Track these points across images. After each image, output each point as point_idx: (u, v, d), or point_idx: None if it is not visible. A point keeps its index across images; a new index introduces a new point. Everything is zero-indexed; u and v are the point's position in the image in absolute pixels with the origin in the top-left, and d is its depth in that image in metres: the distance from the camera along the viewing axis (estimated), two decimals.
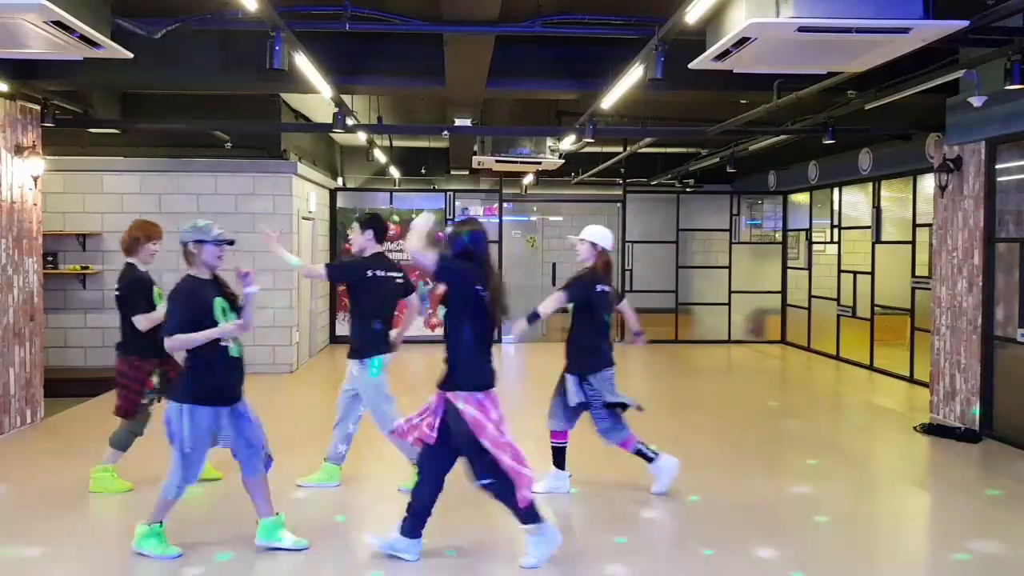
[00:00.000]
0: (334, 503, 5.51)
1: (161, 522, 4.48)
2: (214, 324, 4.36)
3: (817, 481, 6.16)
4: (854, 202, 12.03)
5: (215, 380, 4.41)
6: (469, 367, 4.32)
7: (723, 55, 4.59)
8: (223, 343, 4.40)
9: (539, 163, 11.04)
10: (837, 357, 12.23)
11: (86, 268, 10.31)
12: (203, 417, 4.34)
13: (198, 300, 4.41)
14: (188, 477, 4.41)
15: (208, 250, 4.50)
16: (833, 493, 5.88)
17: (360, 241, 5.75)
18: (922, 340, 9.47)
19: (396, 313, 5.73)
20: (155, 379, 5.48)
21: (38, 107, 7.70)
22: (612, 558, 4.56)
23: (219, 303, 4.47)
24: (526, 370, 11.53)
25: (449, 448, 4.37)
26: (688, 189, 15.37)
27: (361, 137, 11.08)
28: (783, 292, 14.45)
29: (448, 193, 14.34)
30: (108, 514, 5.33)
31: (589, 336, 5.50)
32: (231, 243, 4.58)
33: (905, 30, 4.16)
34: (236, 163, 10.66)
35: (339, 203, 13.97)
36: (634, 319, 6.18)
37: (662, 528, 5.21)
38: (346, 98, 8.99)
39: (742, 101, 8.26)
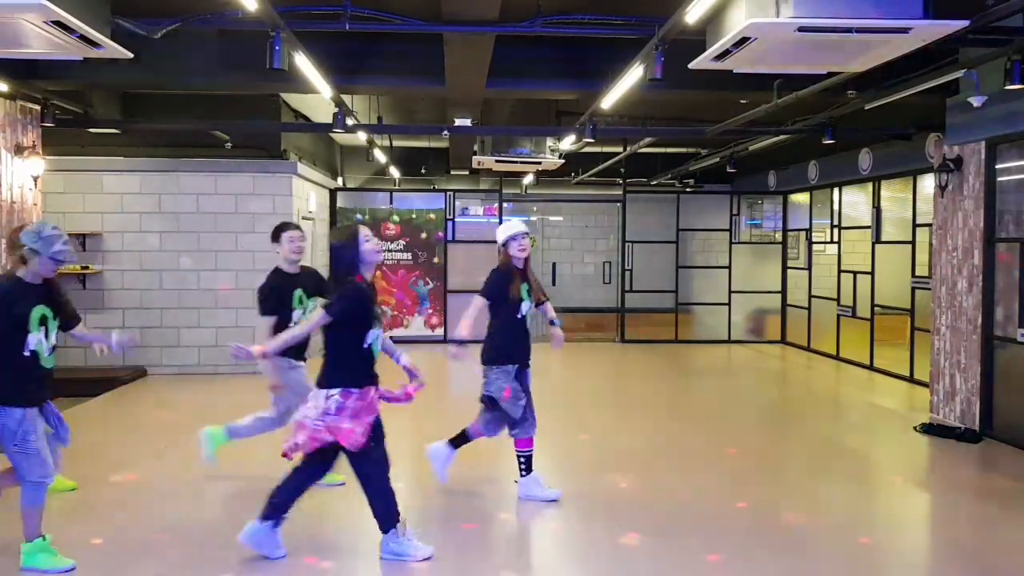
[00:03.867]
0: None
1: (43, 535, 4.27)
2: (26, 333, 4.16)
3: (817, 481, 6.17)
4: (854, 202, 12.03)
5: (16, 387, 4.19)
6: None
7: (723, 55, 4.59)
8: (30, 351, 4.18)
9: (539, 163, 11.05)
10: (837, 357, 12.23)
11: (86, 268, 10.30)
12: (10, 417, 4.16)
13: (17, 307, 4.17)
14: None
15: (43, 263, 4.20)
16: (833, 493, 5.89)
17: None
18: (922, 340, 9.47)
19: None
20: None
21: (38, 107, 7.70)
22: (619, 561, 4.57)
23: (38, 312, 4.23)
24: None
25: None
26: (688, 189, 15.38)
27: (361, 137, 11.08)
28: (783, 292, 14.45)
29: (448, 193, 14.34)
30: (108, 514, 5.31)
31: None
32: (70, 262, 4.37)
33: (905, 30, 4.17)
34: (236, 163, 10.66)
35: (339, 203, 13.97)
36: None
37: (661, 528, 5.22)
38: (346, 98, 8.99)
39: (742, 101, 8.26)
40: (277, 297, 5.46)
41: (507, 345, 5.39)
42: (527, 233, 5.46)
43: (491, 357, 5.37)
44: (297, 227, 5.71)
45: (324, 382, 4.31)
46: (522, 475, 5.49)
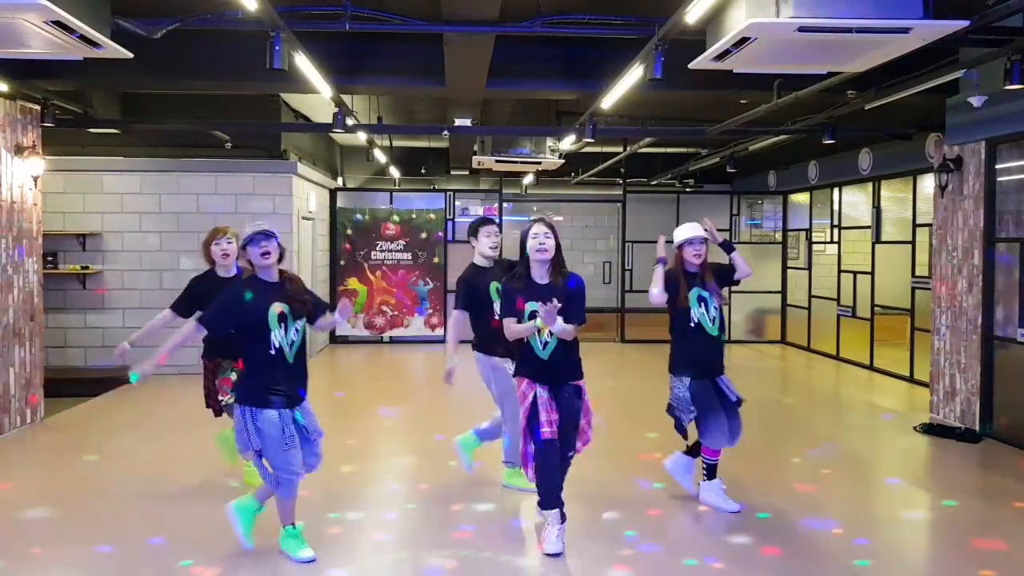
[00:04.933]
0: None
1: (293, 524, 4.49)
2: (266, 330, 4.27)
3: (817, 481, 6.16)
4: (854, 202, 12.03)
5: (267, 384, 4.30)
6: None
7: (723, 55, 4.60)
8: (273, 349, 4.29)
9: (539, 163, 11.05)
10: (837, 357, 12.23)
11: (86, 268, 10.31)
12: (266, 419, 4.28)
13: (252, 304, 4.30)
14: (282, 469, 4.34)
15: (249, 252, 4.36)
16: (833, 493, 5.89)
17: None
18: (922, 340, 9.47)
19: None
20: (234, 376, 5.44)
21: (38, 107, 7.70)
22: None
23: (276, 308, 4.32)
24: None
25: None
26: (688, 189, 15.38)
27: (361, 137, 11.08)
28: (783, 292, 14.45)
29: (448, 193, 14.33)
30: (108, 514, 5.32)
31: None
32: (267, 234, 4.33)
33: (905, 30, 4.17)
34: (236, 163, 10.66)
35: (339, 203, 13.96)
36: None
37: (659, 529, 5.21)
38: (346, 98, 8.99)
39: (742, 101, 8.26)
40: (473, 292, 5.49)
41: (681, 354, 5.31)
42: (705, 239, 5.31)
43: (670, 365, 5.38)
44: (493, 221, 5.74)
45: None
46: (704, 479, 5.51)
